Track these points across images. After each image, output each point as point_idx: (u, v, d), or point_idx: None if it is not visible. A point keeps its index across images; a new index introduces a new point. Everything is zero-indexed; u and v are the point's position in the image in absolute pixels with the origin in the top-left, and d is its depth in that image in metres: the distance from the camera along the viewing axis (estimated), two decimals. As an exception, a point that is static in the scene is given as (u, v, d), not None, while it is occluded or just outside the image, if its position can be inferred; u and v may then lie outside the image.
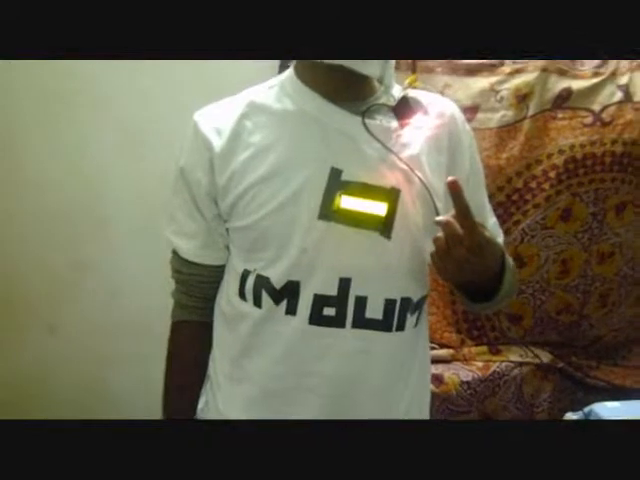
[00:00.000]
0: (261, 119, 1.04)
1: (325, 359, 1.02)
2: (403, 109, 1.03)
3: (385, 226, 0.99)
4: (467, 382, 1.80)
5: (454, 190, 0.89)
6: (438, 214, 0.97)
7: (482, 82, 1.79)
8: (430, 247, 0.94)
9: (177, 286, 1.17)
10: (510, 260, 1.07)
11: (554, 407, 1.87)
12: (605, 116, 1.77)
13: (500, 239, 1.16)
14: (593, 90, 1.78)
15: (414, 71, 1.76)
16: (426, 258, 1.01)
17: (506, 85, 1.78)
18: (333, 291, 1.00)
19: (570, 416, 1.52)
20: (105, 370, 2.18)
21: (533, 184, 1.79)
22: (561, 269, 1.85)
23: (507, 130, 1.78)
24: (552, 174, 1.77)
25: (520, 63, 1.78)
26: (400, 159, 1.00)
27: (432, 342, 1.84)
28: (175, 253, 1.15)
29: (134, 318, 2.11)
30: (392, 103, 1.03)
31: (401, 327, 1.05)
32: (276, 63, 1.67)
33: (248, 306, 1.06)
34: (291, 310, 1.02)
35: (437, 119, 1.06)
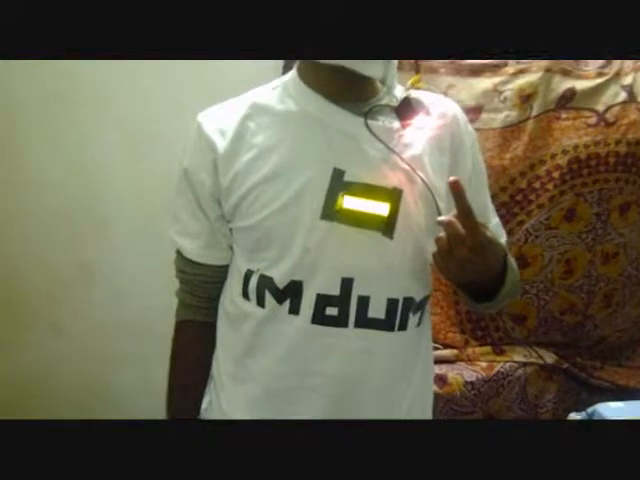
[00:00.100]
0: (264, 120, 1.04)
1: (328, 359, 1.03)
2: (405, 110, 1.03)
3: (387, 226, 0.99)
4: (471, 382, 1.80)
5: (456, 190, 0.88)
6: (440, 214, 0.98)
7: (486, 82, 1.78)
8: (432, 247, 0.94)
9: (181, 286, 1.18)
10: (512, 260, 1.07)
11: (558, 407, 1.87)
12: (609, 116, 1.77)
13: (503, 239, 1.17)
14: (597, 90, 1.78)
15: (418, 71, 1.76)
16: (428, 258, 1.01)
17: (510, 85, 1.77)
18: (336, 291, 1.00)
19: (574, 416, 1.52)
20: (106, 370, 2.19)
21: (537, 184, 1.78)
22: (565, 269, 1.85)
23: (511, 130, 1.78)
24: (556, 174, 1.77)
25: (524, 63, 1.78)
26: (402, 159, 1.00)
27: (436, 342, 1.84)
28: (179, 253, 1.15)
29: (135, 318, 2.12)
30: (394, 104, 1.03)
31: (403, 327, 1.05)
32: (278, 63, 1.67)
33: (251, 306, 1.06)
34: (294, 310, 1.02)
35: (439, 120, 1.06)
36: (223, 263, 1.13)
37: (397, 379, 1.08)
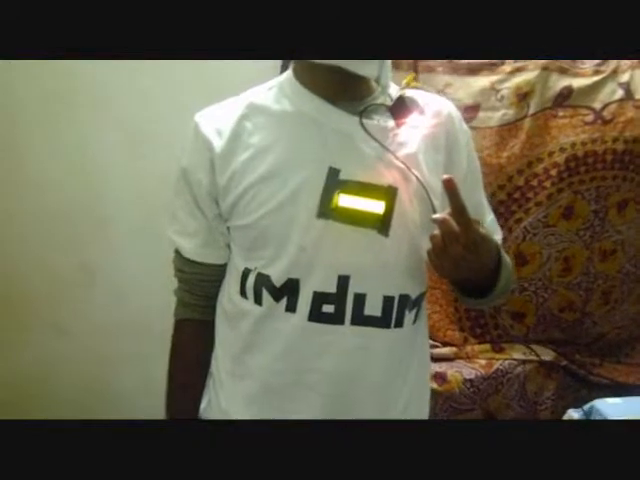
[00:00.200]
0: (260, 120, 1.04)
1: (325, 356, 1.03)
2: (400, 109, 1.03)
3: (383, 224, 1.00)
4: (470, 380, 1.81)
5: (449, 188, 0.89)
6: (435, 212, 0.98)
7: (483, 81, 1.79)
8: (427, 244, 0.95)
9: (180, 285, 1.18)
10: (506, 257, 1.08)
11: (557, 405, 1.87)
12: (606, 114, 1.77)
13: (498, 236, 1.17)
14: (594, 88, 1.78)
15: (416, 70, 1.76)
16: (424, 255, 1.01)
17: (507, 84, 1.78)
18: (332, 288, 1.01)
19: (571, 413, 1.52)
20: (106, 370, 2.19)
21: (534, 182, 1.79)
22: (563, 267, 1.85)
23: (508, 129, 1.78)
24: (553, 172, 1.77)
25: (521, 62, 1.78)
26: (397, 158, 1.01)
27: (435, 340, 1.85)
28: (177, 252, 1.16)
29: (135, 318, 2.12)
30: (389, 103, 1.04)
31: (400, 324, 1.06)
32: (277, 63, 1.67)
33: (249, 304, 1.07)
34: (291, 307, 1.03)
35: (434, 118, 1.06)
36: (221, 262, 1.13)
37: (393, 376, 1.08)
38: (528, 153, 1.78)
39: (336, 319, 1.02)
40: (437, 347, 1.85)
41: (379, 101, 1.04)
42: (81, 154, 2.03)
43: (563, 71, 1.77)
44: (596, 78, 1.78)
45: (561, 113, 1.78)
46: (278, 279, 1.02)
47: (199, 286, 1.15)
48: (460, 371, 1.81)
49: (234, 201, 1.03)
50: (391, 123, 1.03)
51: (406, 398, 1.10)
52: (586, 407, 1.48)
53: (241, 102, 1.07)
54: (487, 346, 1.89)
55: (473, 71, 1.79)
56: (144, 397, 1.85)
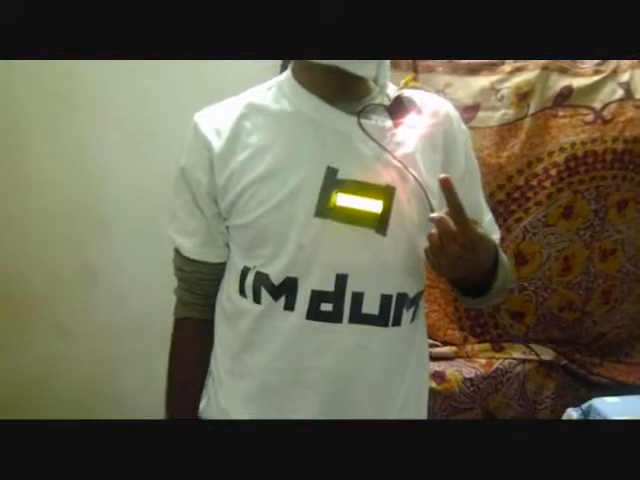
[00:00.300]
0: (259, 120, 1.05)
1: (323, 354, 1.04)
2: (398, 108, 1.04)
3: (380, 223, 1.00)
4: (470, 379, 1.81)
5: (446, 187, 0.89)
6: (433, 211, 0.98)
7: (483, 81, 1.79)
8: (425, 243, 0.95)
9: (179, 284, 1.19)
10: (504, 256, 1.08)
11: (557, 404, 1.87)
12: (606, 114, 1.77)
13: (496, 236, 1.17)
14: (594, 88, 1.78)
15: (415, 70, 1.76)
16: (421, 254, 1.02)
17: (507, 84, 1.78)
18: (330, 287, 1.02)
19: (570, 412, 1.52)
20: (108, 370, 2.19)
21: (534, 182, 1.79)
22: (563, 266, 1.86)
23: (508, 128, 1.78)
24: (553, 172, 1.78)
25: (521, 62, 1.78)
26: (395, 157, 1.01)
27: (435, 339, 1.85)
28: (177, 251, 1.16)
29: (135, 317, 2.13)
30: (387, 103, 1.04)
31: (397, 322, 1.06)
32: (276, 63, 1.67)
33: (248, 302, 1.07)
34: (289, 306, 1.03)
35: (432, 118, 1.07)
36: (220, 260, 1.14)
37: (391, 374, 1.09)
38: (528, 153, 1.78)
39: (334, 317, 1.02)
40: (437, 346, 1.86)
41: (377, 101, 1.04)
42: (81, 154, 2.03)
43: (563, 71, 1.77)
44: (596, 78, 1.78)
45: (561, 113, 1.78)
46: (277, 278, 1.02)
47: (199, 285, 1.16)
48: (460, 370, 1.82)
49: (233, 200, 1.04)
50: (389, 123, 1.03)
51: (404, 396, 1.11)
52: (584, 406, 1.48)
53: (240, 102, 1.07)
54: (487, 345, 1.89)
55: (473, 71, 1.79)
56: (145, 397, 1.85)
